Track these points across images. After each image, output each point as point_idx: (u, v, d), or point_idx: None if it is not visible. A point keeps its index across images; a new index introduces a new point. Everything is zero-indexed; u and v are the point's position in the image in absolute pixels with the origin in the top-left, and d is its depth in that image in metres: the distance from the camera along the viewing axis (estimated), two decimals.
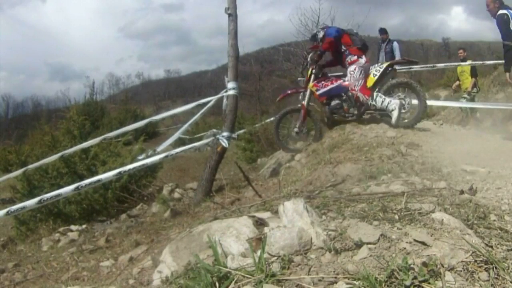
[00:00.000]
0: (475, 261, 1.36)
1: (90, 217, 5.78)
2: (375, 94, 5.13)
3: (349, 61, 5.34)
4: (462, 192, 2.25)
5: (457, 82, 9.56)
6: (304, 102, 5.29)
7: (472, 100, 9.12)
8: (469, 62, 9.20)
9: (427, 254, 1.40)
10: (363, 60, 5.31)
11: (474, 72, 9.13)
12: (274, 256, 1.48)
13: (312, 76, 5.43)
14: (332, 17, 13.56)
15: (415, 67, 10.76)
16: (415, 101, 5.34)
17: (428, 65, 9.98)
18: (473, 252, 1.40)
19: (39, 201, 4.55)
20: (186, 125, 6.36)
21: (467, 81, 9.14)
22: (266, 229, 1.70)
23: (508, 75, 5.36)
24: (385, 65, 5.38)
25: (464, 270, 1.32)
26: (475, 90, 9.32)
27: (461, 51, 9.50)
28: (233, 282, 1.34)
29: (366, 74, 5.32)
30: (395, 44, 9.31)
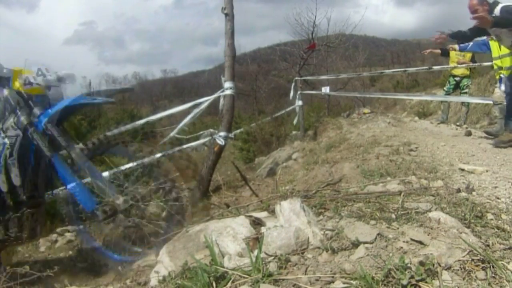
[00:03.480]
0: (472, 260, 1.36)
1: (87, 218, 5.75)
2: None
3: None
4: (459, 191, 2.25)
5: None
6: None
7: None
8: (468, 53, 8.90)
9: (424, 253, 1.40)
10: None
11: (473, 61, 8.70)
12: (271, 255, 1.47)
13: None
14: (328, 16, 13.57)
15: (411, 69, 10.69)
16: None
17: (424, 67, 9.84)
18: (470, 251, 1.40)
19: None
20: (180, 125, 6.34)
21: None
22: (263, 229, 1.70)
23: None
24: None
25: (461, 269, 1.32)
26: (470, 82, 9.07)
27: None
28: (230, 282, 1.34)
29: None
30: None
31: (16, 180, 2.62)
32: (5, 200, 2.69)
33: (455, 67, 8.50)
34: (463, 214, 1.80)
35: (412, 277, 1.21)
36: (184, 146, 6.67)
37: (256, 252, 1.46)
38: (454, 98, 8.46)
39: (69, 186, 2.70)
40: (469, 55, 8.68)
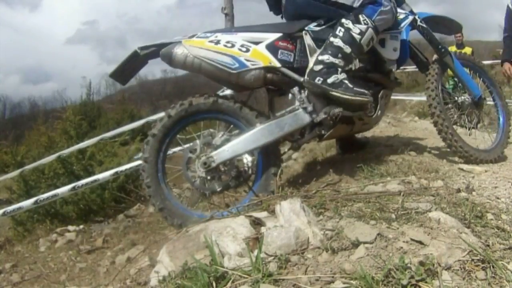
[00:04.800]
0: (472, 260, 1.36)
1: (87, 218, 5.76)
2: None
3: None
4: (459, 191, 2.25)
5: None
6: None
7: None
8: (467, 48, 8.81)
9: (424, 253, 1.40)
10: None
11: None
12: (271, 255, 1.47)
13: None
14: None
15: (410, 68, 10.63)
16: None
17: None
18: (470, 251, 1.40)
19: (35, 202, 4.55)
20: None
21: None
22: (263, 229, 1.70)
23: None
24: None
25: (461, 269, 1.32)
26: None
27: (459, 34, 9.08)
28: (230, 281, 1.34)
29: None
30: None
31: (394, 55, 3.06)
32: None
33: None
34: (463, 214, 1.81)
35: (412, 277, 1.21)
36: (184, 146, 6.66)
37: (256, 252, 1.46)
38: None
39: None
40: (468, 54, 8.62)
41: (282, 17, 3.25)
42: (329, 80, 2.69)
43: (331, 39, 2.75)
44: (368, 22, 2.73)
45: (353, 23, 2.73)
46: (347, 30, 2.73)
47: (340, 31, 2.74)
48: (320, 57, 2.73)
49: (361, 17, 2.74)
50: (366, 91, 2.78)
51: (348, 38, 2.72)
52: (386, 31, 2.98)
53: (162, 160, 2.84)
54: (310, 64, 2.78)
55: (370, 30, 2.73)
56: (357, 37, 2.72)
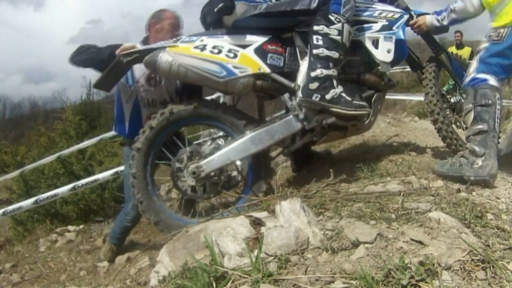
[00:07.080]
0: (472, 260, 1.36)
1: (87, 218, 5.77)
2: None
3: None
4: (459, 191, 2.25)
5: None
6: None
7: None
8: (467, 48, 8.79)
9: (424, 253, 1.40)
10: None
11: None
12: (271, 255, 1.47)
13: None
14: None
15: (409, 69, 10.56)
16: None
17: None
18: (470, 251, 1.40)
19: (35, 201, 4.55)
20: None
21: None
22: (263, 229, 1.70)
23: None
24: None
25: (461, 269, 1.32)
26: None
27: (458, 34, 9.04)
28: (230, 281, 1.34)
29: None
30: None
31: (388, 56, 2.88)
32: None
33: None
34: (463, 214, 1.80)
35: (412, 277, 1.21)
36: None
37: (256, 252, 1.46)
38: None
39: None
40: (467, 54, 8.55)
41: None
42: (327, 96, 2.62)
43: (314, 51, 2.63)
44: (340, 18, 2.60)
45: (327, 26, 2.60)
46: (325, 35, 2.60)
47: (318, 40, 2.62)
48: (313, 74, 2.62)
49: (331, 17, 2.60)
50: (365, 103, 2.73)
51: (331, 44, 2.60)
52: (379, 32, 2.87)
53: (151, 173, 2.81)
54: (302, 80, 2.69)
55: (345, 25, 2.61)
56: (338, 38, 2.60)
